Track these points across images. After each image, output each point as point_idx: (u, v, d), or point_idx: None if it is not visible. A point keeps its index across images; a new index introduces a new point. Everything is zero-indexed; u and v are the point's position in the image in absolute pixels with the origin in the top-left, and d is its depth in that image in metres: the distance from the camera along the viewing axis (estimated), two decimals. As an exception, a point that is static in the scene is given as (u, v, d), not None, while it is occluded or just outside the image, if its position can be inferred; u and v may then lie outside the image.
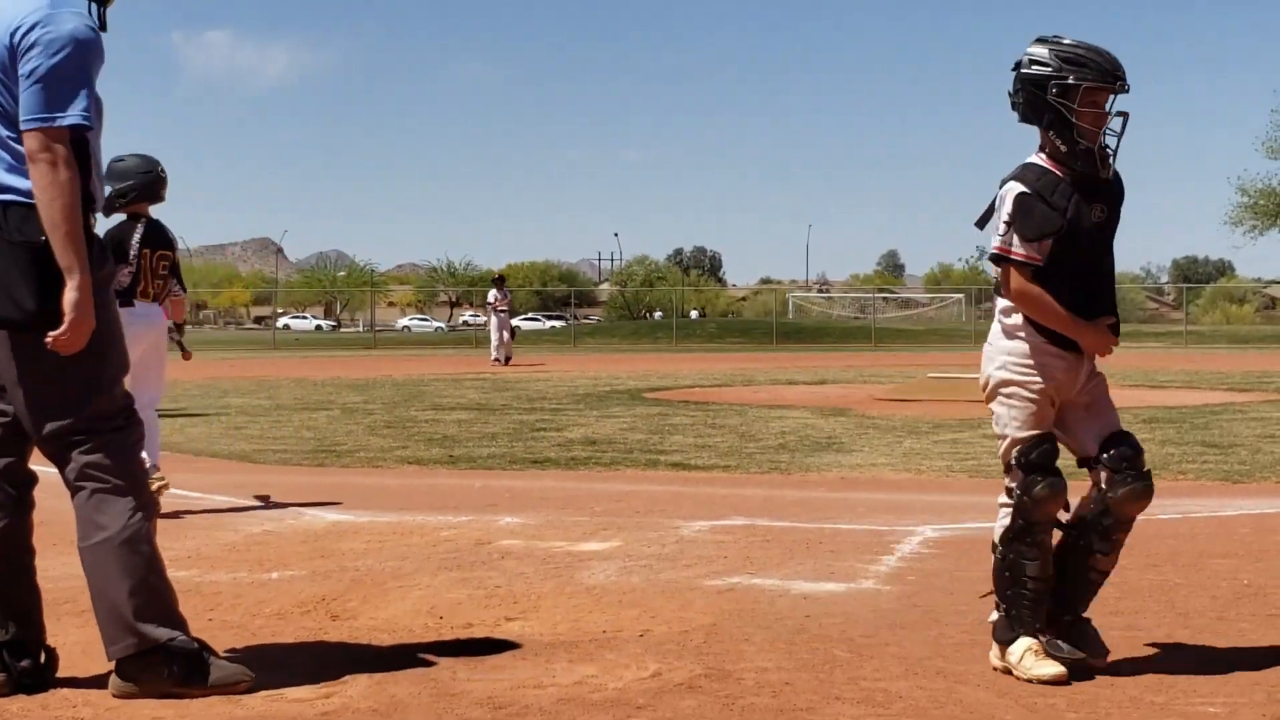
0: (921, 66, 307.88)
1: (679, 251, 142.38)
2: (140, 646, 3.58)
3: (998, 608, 3.93)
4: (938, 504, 7.37)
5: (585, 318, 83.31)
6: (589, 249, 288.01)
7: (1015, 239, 3.86)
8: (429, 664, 3.96)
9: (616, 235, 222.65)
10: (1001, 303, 3.98)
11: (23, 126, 3.47)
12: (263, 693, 3.65)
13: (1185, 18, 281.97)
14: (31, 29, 3.48)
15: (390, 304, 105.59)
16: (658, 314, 78.31)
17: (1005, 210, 3.89)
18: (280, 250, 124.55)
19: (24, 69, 3.47)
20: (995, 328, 4.02)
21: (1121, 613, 4.60)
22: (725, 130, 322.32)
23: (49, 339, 3.48)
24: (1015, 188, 3.89)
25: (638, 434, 11.59)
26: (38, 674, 3.67)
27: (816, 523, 6.62)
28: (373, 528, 6.50)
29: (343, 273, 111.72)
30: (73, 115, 3.48)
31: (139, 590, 3.58)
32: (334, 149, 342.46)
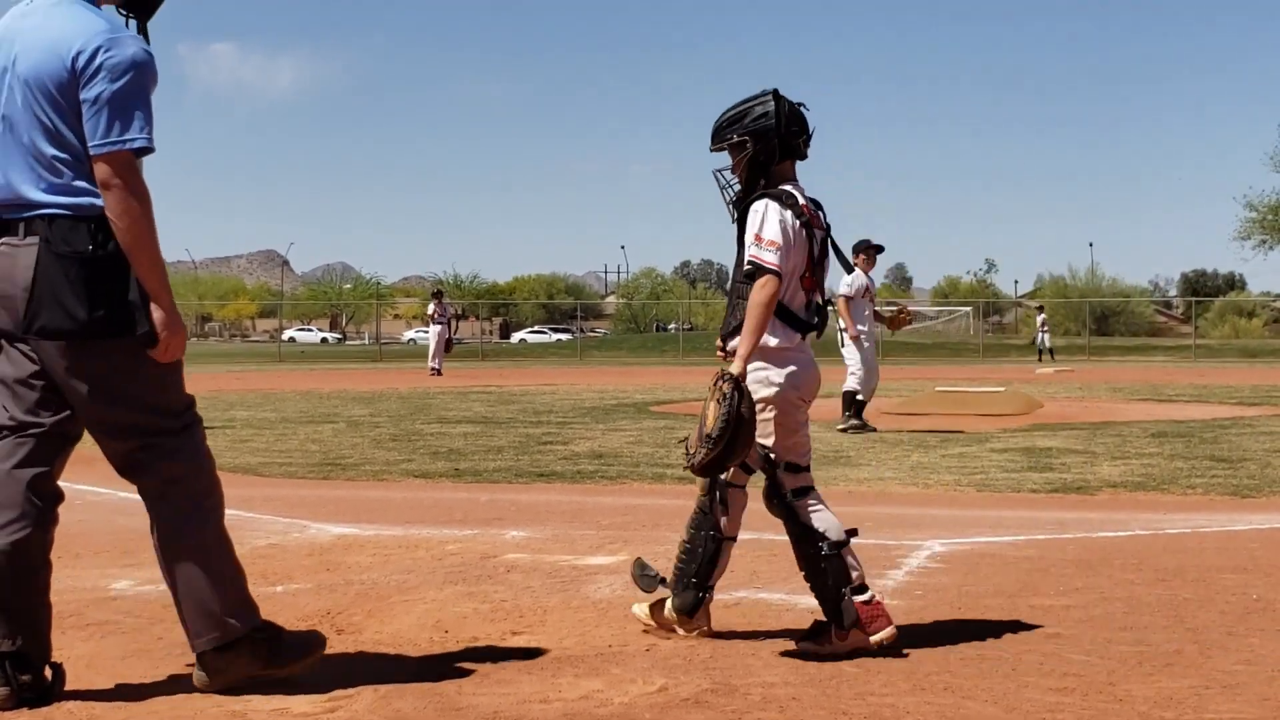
0: (928, 80, 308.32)
1: (686, 264, 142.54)
2: (225, 638, 3.69)
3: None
4: (945, 519, 7.35)
5: (592, 331, 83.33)
6: (595, 262, 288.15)
7: None
8: (434, 678, 3.95)
9: (623, 248, 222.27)
10: None
11: (92, 152, 3.52)
12: (268, 706, 3.64)
13: (1195, 32, 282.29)
14: (94, 54, 3.51)
15: (396, 317, 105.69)
16: (671, 326, 78.28)
17: None
18: (286, 263, 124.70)
19: (88, 94, 3.51)
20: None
21: (1130, 627, 4.58)
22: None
23: (154, 355, 3.60)
24: None
25: (644, 447, 11.58)
26: (40, 688, 3.66)
27: (823, 537, 6.58)
28: (378, 541, 6.49)
29: (349, 285, 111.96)
30: (139, 139, 3.53)
31: (219, 583, 3.71)
32: (340, 162, 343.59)
